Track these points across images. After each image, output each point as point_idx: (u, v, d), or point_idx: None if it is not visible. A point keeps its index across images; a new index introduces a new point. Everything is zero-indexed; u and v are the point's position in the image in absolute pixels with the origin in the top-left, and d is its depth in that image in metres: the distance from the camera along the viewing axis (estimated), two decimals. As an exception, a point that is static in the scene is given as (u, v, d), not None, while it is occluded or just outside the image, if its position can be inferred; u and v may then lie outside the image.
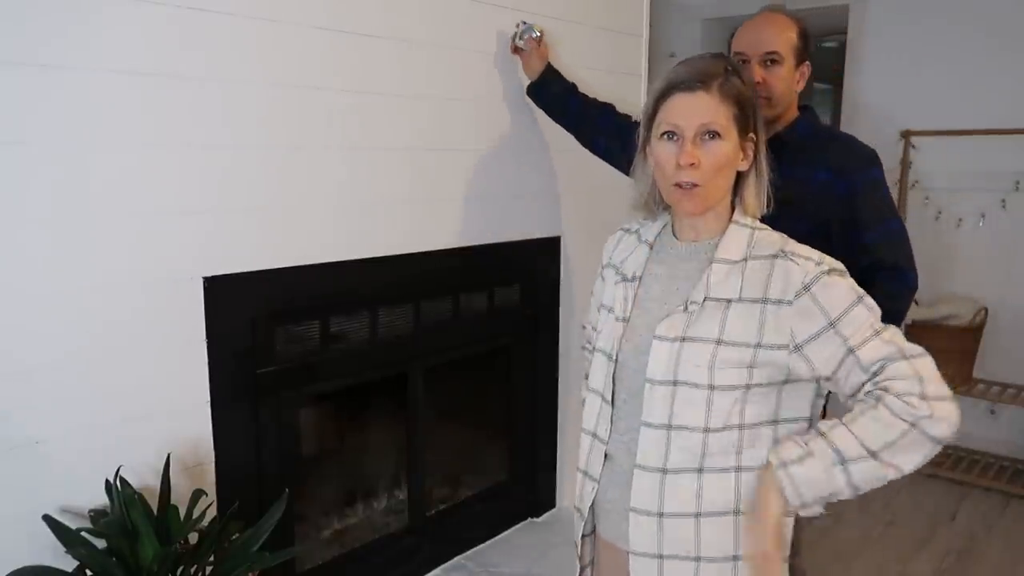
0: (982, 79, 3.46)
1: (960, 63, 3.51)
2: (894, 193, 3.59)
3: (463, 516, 2.56)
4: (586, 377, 1.35)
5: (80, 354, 1.53)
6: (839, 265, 1.15)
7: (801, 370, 1.13)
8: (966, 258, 3.61)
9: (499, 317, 2.52)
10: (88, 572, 1.42)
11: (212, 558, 1.53)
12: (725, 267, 1.16)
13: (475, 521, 2.59)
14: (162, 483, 1.53)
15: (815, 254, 1.15)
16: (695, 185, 1.14)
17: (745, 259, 1.16)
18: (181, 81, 1.62)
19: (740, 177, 1.20)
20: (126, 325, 1.60)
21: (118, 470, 1.52)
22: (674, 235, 1.25)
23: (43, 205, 1.46)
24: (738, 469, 1.15)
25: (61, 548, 1.44)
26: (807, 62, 1.77)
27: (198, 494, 1.58)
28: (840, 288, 1.11)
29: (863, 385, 1.10)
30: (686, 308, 1.16)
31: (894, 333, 1.11)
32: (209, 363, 1.73)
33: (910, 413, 1.05)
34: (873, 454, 1.07)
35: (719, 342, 1.12)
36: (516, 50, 2.32)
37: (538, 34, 2.28)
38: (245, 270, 1.78)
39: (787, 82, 1.73)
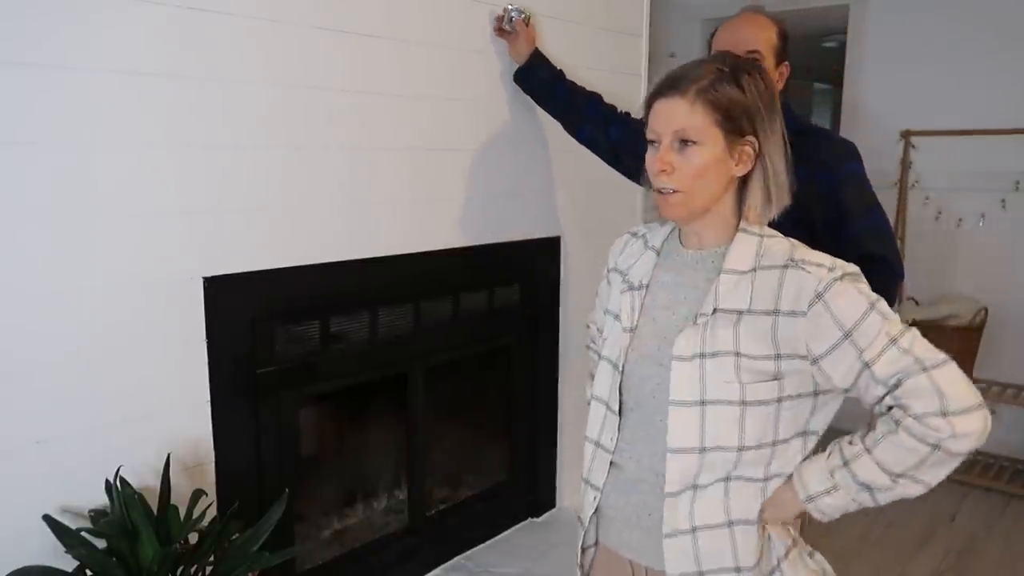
0: (982, 79, 3.46)
1: (960, 63, 3.51)
2: (894, 193, 3.63)
3: (463, 516, 2.56)
4: (591, 378, 1.34)
5: (80, 354, 1.53)
6: (852, 268, 1.12)
7: (824, 382, 1.11)
8: (966, 258, 3.61)
9: (499, 317, 2.52)
10: (88, 572, 1.42)
11: (212, 558, 1.54)
12: (734, 277, 1.13)
13: (475, 521, 2.59)
14: (162, 483, 1.53)
15: (827, 259, 1.11)
16: (675, 191, 1.13)
17: (754, 269, 1.13)
18: (181, 81, 1.62)
19: (744, 181, 1.16)
20: (126, 325, 1.60)
21: (118, 470, 1.52)
22: (680, 242, 1.23)
23: (43, 205, 1.46)
24: (766, 479, 1.15)
25: (61, 548, 1.44)
26: (786, 62, 1.77)
27: (198, 494, 1.58)
28: (852, 295, 1.08)
29: (883, 398, 1.08)
30: (696, 321, 1.14)
31: (912, 339, 1.07)
32: (209, 363, 1.73)
33: (933, 436, 1.04)
34: (898, 477, 1.08)
35: (738, 355, 1.10)
36: (502, 32, 2.29)
37: (525, 15, 2.25)
38: (245, 270, 1.78)
39: None
